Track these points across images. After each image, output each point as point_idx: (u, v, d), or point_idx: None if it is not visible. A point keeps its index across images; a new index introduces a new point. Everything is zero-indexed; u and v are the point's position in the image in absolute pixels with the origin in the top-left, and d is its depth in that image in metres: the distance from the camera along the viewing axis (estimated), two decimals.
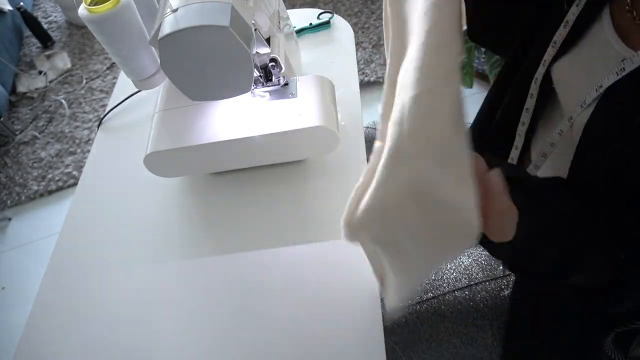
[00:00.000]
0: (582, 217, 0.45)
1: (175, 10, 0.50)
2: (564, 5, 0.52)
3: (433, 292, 0.69)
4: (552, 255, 0.44)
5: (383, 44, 1.89)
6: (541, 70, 0.55)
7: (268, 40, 0.66)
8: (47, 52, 2.21)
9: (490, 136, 0.68)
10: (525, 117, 0.59)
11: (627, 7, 0.46)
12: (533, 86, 0.56)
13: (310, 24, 0.94)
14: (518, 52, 0.62)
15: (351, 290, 0.59)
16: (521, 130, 0.61)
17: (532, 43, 0.59)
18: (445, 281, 0.69)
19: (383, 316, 0.56)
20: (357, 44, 1.93)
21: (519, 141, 0.62)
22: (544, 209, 0.43)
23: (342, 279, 0.60)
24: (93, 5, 0.58)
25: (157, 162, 0.65)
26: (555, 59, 0.53)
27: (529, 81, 0.57)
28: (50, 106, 2.01)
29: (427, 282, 0.70)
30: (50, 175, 1.76)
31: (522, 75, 0.59)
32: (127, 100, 0.90)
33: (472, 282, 0.69)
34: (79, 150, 1.82)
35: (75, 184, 1.70)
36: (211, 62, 0.52)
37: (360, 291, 0.59)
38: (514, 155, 0.64)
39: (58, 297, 0.67)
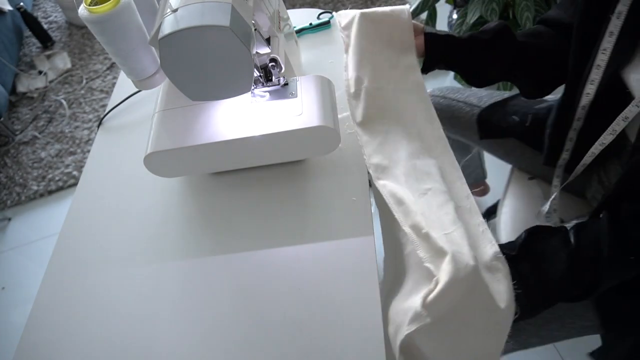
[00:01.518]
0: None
1: (175, 10, 0.50)
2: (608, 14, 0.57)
3: None
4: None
5: None
6: (596, 72, 0.61)
7: (268, 40, 0.66)
8: (47, 52, 2.21)
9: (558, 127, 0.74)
10: (590, 89, 0.64)
11: None
12: (589, 87, 0.62)
13: (310, 24, 0.94)
14: (577, 61, 0.66)
15: (351, 290, 0.59)
16: (585, 100, 0.66)
17: (583, 51, 0.64)
18: None
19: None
20: None
21: (582, 113, 0.68)
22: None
23: (341, 279, 0.60)
24: (93, 6, 0.58)
25: (157, 162, 0.65)
26: (615, 65, 0.59)
27: (583, 84, 0.64)
28: (51, 106, 2.01)
29: None
30: (50, 175, 1.76)
31: (575, 78, 0.65)
32: (127, 100, 0.90)
33: None
34: (79, 150, 1.82)
35: (75, 184, 1.70)
36: (211, 62, 0.52)
37: (360, 291, 0.59)
38: (577, 126, 0.70)
39: (58, 297, 0.67)
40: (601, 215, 0.56)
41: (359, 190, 0.68)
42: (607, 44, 0.58)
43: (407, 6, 0.73)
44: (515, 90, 0.89)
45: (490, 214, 1.31)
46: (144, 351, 0.60)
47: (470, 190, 1.35)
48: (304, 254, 0.64)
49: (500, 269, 0.52)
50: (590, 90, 0.64)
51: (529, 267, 0.54)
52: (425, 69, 0.76)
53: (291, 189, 0.70)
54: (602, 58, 0.60)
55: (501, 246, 0.56)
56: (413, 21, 0.74)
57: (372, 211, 0.66)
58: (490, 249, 0.54)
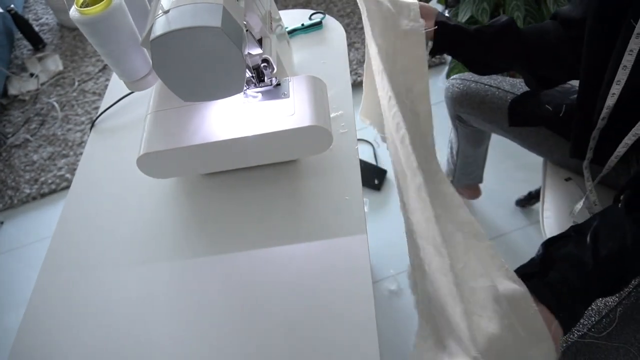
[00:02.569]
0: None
1: (166, 12, 0.50)
2: None
3: None
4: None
5: None
6: (623, 73, 0.62)
7: (260, 41, 0.66)
8: (39, 55, 2.20)
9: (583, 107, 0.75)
10: (616, 89, 0.65)
11: None
12: (627, 58, 0.62)
13: (302, 24, 0.94)
14: (591, 61, 0.68)
15: (344, 288, 0.59)
16: (610, 101, 0.67)
17: (599, 50, 0.65)
18: None
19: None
20: (349, 44, 1.93)
21: (606, 112, 0.69)
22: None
23: (335, 277, 0.61)
24: (84, 7, 0.58)
25: (150, 163, 0.65)
26: None
27: (608, 84, 0.65)
28: (42, 109, 1.99)
29: None
30: (42, 178, 1.74)
31: (592, 77, 0.67)
32: (119, 102, 0.90)
33: None
34: (71, 153, 1.81)
35: (68, 187, 1.69)
36: (203, 63, 0.52)
37: (353, 289, 0.59)
38: (601, 125, 0.70)
39: (51, 301, 0.67)
40: (619, 205, 0.57)
41: (351, 189, 0.68)
42: (635, 45, 0.59)
43: (423, 38, 0.73)
44: None
45: (531, 198, 1.33)
46: (139, 352, 0.60)
47: (465, 190, 1.35)
48: (298, 253, 0.64)
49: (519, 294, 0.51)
50: (616, 90, 0.65)
51: (556, 277, 0.54)
52: (432, 53, 0.79)
53: (284, 188, 0.71)
54: (628, 59, 0.61)
55: (521, 267, 0.57)
56: (427, 4, 0.77)
57: (365, 210, 0.67)
58: (504, 278, 0.52)
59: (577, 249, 0.55)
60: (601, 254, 0.53)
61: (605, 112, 0.68)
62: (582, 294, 0.53)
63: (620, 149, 0.69)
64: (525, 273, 0.56)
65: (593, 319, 0.67)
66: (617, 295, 0.67)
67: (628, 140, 0.67)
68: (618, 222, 0.55)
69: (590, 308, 0.68)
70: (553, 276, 0.54)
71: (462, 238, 0.55)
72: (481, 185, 1.37)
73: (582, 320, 0.67)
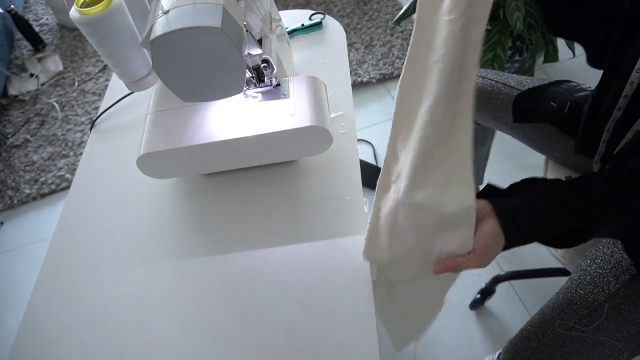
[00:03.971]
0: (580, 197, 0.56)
1: (166, 12, 0.50)
2: None
3: None
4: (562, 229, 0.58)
5: (375, 45, 1.89)
6: None
7: (260, 42, 0.66)
8: (39, 55, 2.20)
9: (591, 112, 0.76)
10: (635, 77, 0.65)
11: None
12: (634, 75, 0.63)
13: (302, 24, 0.94)
14: (619, 47, 0.67)
15: (344, 288, 0.59)
16: (628, 90, 0.67)
17: (623, 38, 0.64)
18: None
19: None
20: (349, 44, 1.93)
21: (623, 102, 0.69)
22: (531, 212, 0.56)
23: (334, 277, 0.61)
24: (84, 7, 0.58)
25: (150, 163, 0.65)
26: None
27: (627, 72, 0.64)
28: (42, 109, 1.99)
29: None
30: (42, 179, 1.74)
31: (626, 64, 0.66)
32: (119, 102, 0.90)
33: None
34: (71, 153, 1.81)
35: (68, 187, 1.69)
36: (203, 63, 0.52)
37: (353, 289, 0.59)
38: (616, 116, 0.70)
39: (51, 301, 0.67)
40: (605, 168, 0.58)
41: (351, 189, 0.68)
42: None
43: None
44: (556, 78, 0.91)
45: None
46: (138, 352, 0.60)
47: None
48: (298, 253, 0.64)
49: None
50: (635, 78, 0.64)
51: (520, 199, 0.57)
52: None
53: (284, 189, 0.71)
54: None
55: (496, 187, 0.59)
56: None
57: (365, 210, 0.67)
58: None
59: (550, 187, 0.59)
60: (570, 197, 0.56)
61: (622, 101, 0.67)
62: (537, 220, 0.57)
63: (623, 142, 0.69)
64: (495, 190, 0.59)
65: (581, 312, 0.67)
66: (606, 290, 0.68)
67: (630, 134, 0.67)
68: (592, 180, 0.57)
69: (579, 302, 0.68)
70: (517, 198, 0.57)
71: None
72: (481, 187, 1.36)
73: (570, 313, 0.68)
